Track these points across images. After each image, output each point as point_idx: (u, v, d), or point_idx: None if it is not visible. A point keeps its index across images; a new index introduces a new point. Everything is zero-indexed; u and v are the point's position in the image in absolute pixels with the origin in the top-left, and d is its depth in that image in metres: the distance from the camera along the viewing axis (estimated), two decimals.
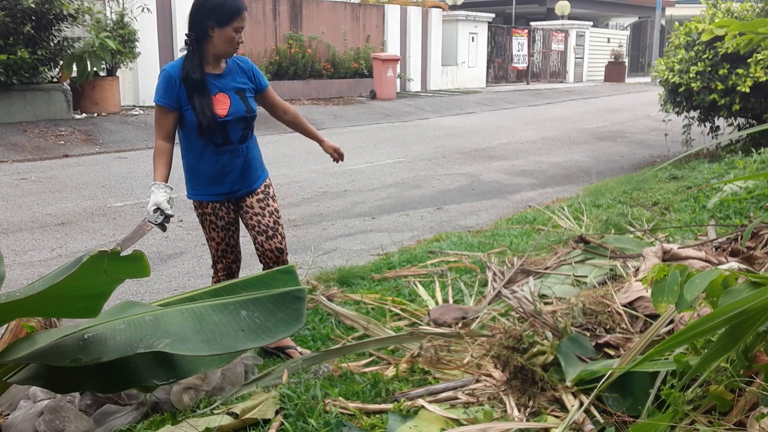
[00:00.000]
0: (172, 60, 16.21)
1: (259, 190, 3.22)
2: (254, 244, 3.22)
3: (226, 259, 3.26)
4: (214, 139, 3.04)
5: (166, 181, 3.00)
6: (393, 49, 18.86)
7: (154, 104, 3.07)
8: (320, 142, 3.46)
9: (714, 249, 3.94)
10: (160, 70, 3.02)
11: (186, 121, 3.02)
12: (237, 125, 3.08)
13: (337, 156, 3.47)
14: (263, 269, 3.18)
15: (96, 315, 1.81)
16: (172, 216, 2.95)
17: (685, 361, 2.11)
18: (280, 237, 3.19)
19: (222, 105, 3.02)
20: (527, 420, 2.38)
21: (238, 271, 3.35)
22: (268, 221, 3.18)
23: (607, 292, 3.27)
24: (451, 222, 6.10)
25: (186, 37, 3.01)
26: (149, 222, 2.90)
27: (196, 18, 2.95)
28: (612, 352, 2.68)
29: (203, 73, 2.99)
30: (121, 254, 1.72)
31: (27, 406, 2.54)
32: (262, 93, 3.24)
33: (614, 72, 28.15)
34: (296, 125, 3.42)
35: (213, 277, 3.34)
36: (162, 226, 2.93)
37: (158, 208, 2.89)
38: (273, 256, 3.17)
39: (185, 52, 3.03)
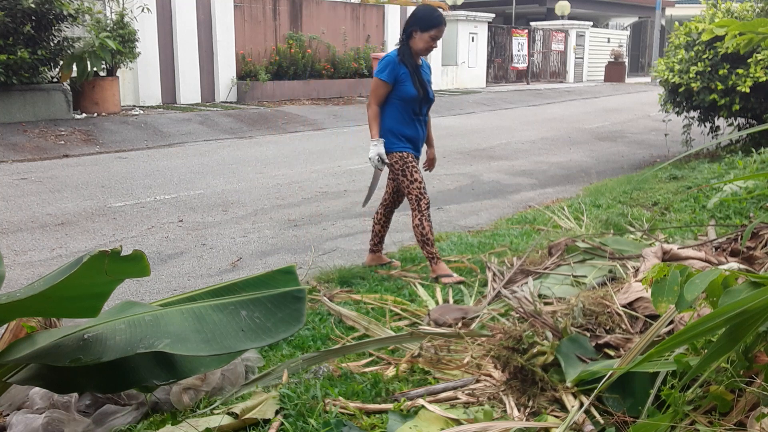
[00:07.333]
0: (172, 60, 16.07)
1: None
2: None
3: (426, 196, 4.16)
4: (414, 108, 4.13)
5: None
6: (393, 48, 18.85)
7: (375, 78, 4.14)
8: (428, 147, 4.46)
9: (714, 249, 3.94)
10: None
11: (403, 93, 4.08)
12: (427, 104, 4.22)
13: (428, 166, 4.48)
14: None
15: (96, 315, 1.81)
16: (387, 163, 4.09)
17: (686, 361, 2.11)
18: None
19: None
20: (527, 420, 2.38)
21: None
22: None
23: (607, 292, 3.27)
24: (451, 222, 6.10)
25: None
26: (378, 168, 4.11)
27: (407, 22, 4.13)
28: (612, 353, 2.67)
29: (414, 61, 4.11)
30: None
31: (26, 420, 2.49)
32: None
33: (614, 72, 28.15)
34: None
35: (417, 215, 4.12)
36: (382, 169, 4.14)
37: (380, 158, 4.04)
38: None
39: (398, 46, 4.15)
